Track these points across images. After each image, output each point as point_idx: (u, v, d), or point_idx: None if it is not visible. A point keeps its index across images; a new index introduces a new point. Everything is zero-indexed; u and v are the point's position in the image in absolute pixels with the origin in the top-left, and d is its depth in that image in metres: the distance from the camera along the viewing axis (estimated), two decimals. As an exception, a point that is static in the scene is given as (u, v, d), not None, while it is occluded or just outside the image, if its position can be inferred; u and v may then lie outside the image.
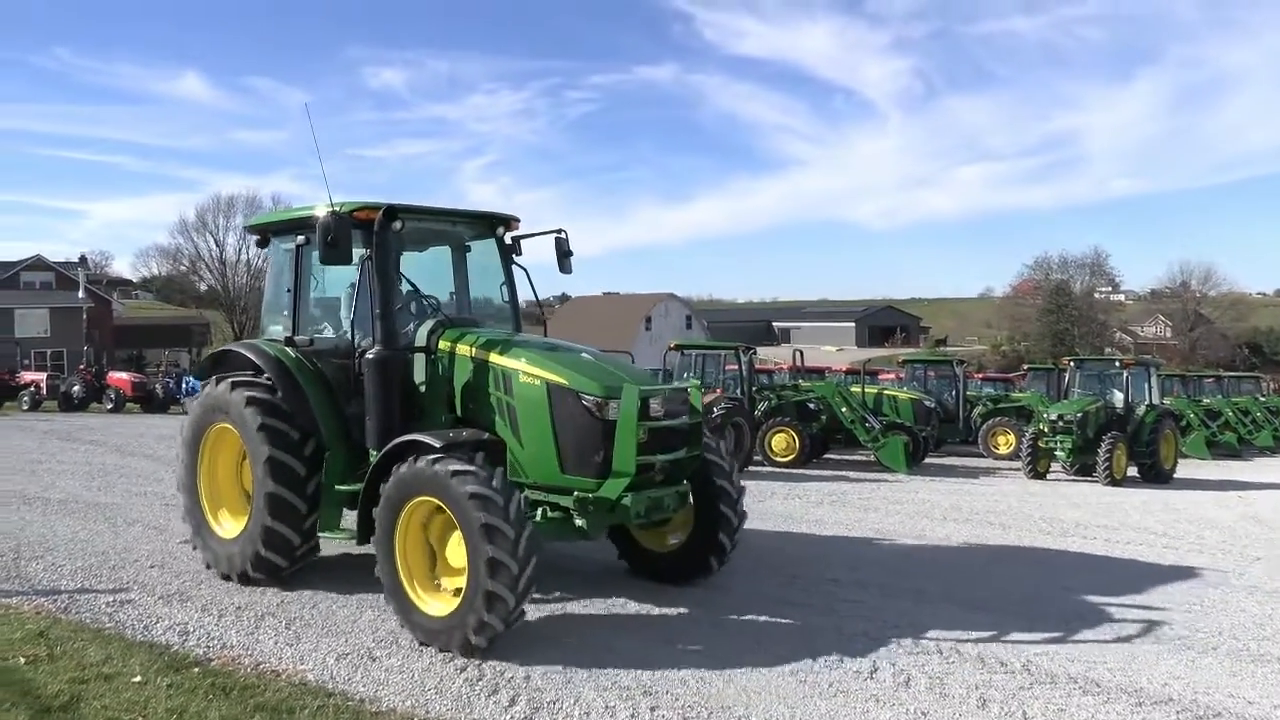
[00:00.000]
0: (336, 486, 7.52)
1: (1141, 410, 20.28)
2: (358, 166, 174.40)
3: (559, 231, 8.58)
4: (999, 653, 6.63)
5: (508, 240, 8.64)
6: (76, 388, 31.56)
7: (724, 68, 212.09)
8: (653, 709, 5.39)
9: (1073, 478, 20.06)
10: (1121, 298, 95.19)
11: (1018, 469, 20.86)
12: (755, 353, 22.70)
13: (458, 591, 6.27)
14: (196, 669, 5.81)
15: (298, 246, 8.05)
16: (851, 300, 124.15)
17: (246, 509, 7.89)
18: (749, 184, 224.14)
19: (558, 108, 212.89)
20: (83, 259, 70.22)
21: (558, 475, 6.89)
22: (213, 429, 8.17)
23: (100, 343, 50.75)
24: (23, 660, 5.82)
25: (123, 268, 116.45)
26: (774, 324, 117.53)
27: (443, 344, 7.49)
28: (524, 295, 8.77)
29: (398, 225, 7.60)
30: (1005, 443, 24.77)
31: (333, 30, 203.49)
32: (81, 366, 33.87)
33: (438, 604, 6.45)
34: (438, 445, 6.43)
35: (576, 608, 7.47)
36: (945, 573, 9.31)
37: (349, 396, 7.65)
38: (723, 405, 18.35)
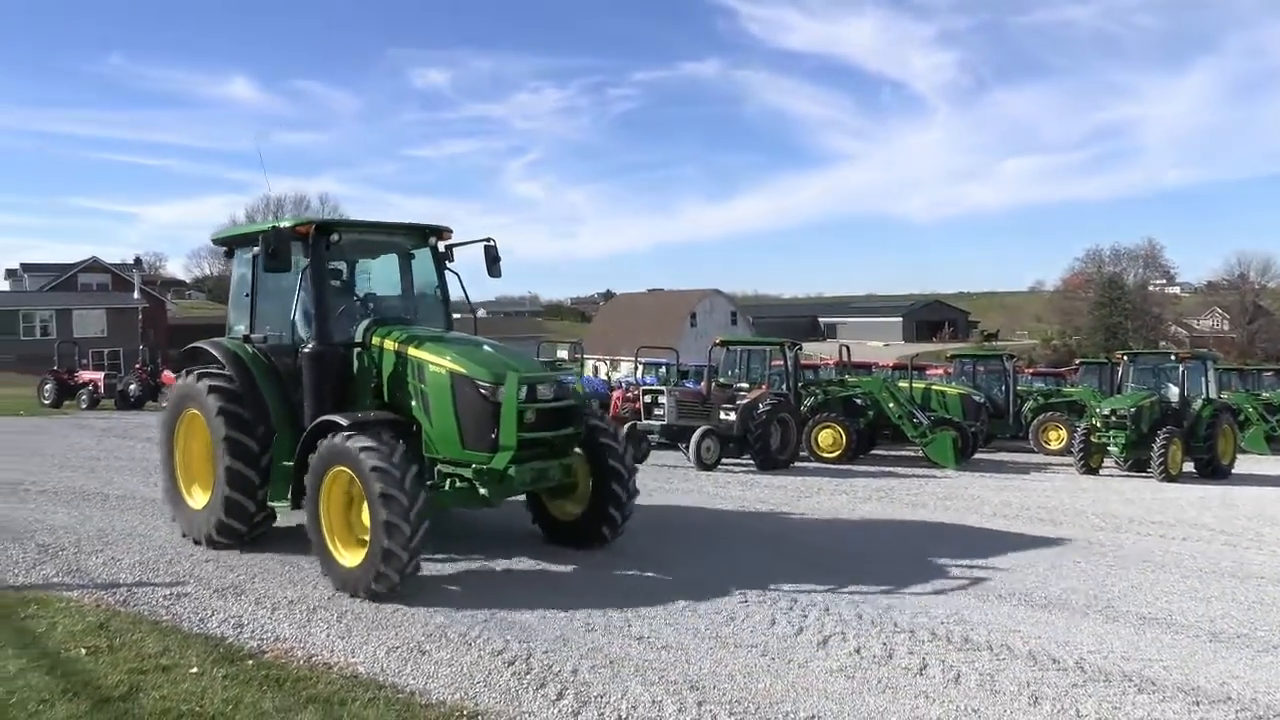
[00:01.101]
0: (283, 462, 8.45)
1: (1198, 404, 19.84)
2: (408, 168, 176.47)
3: (488, 240, 9.54)
4: (1050, 649, 6.54)
5: (441, 248, 9.69)
6: (133, 386, 32.15)
7: (768, 63, 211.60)
8: (699, 704, 5.39)
9: (1126, 473, 19.70)
10: (1177, 290, 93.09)
11: (1069, 465, 20.52)
12: (801, 348, 22.55)
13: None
14: (251, 661, 5.92)
15: (253, 257, 9.02)
16: (898, 295, 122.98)
17: (213, 484, 8.85)
18: (794, 179, 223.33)
19: (601, 105, 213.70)
20: (137, 260, 71.78)
21: (460, 450, 7.95)
22: (185, 414, 9.30)
23: (155, 342, 51.61)
24: (84, 651, 5.97)
25: (176, 269, 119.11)
26: (820, 319, 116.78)
27: (375, 340, 8.59)
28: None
29: (334, 238, 8.75)
30: (1056, 438, 24.43)
31: (377, 32, 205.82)
32: (137, 366, 34.44)
33: (353, 556, 7.49)
34: (345, 423, 7.55)
35: (624, 602, 7.48)
36: (995, 569, 9.18)
37: (295, 385, 8.68)
38: (769, 401, 18.25)
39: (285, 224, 8.59)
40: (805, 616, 7.18)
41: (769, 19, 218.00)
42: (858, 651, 6.40)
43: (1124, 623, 7.39)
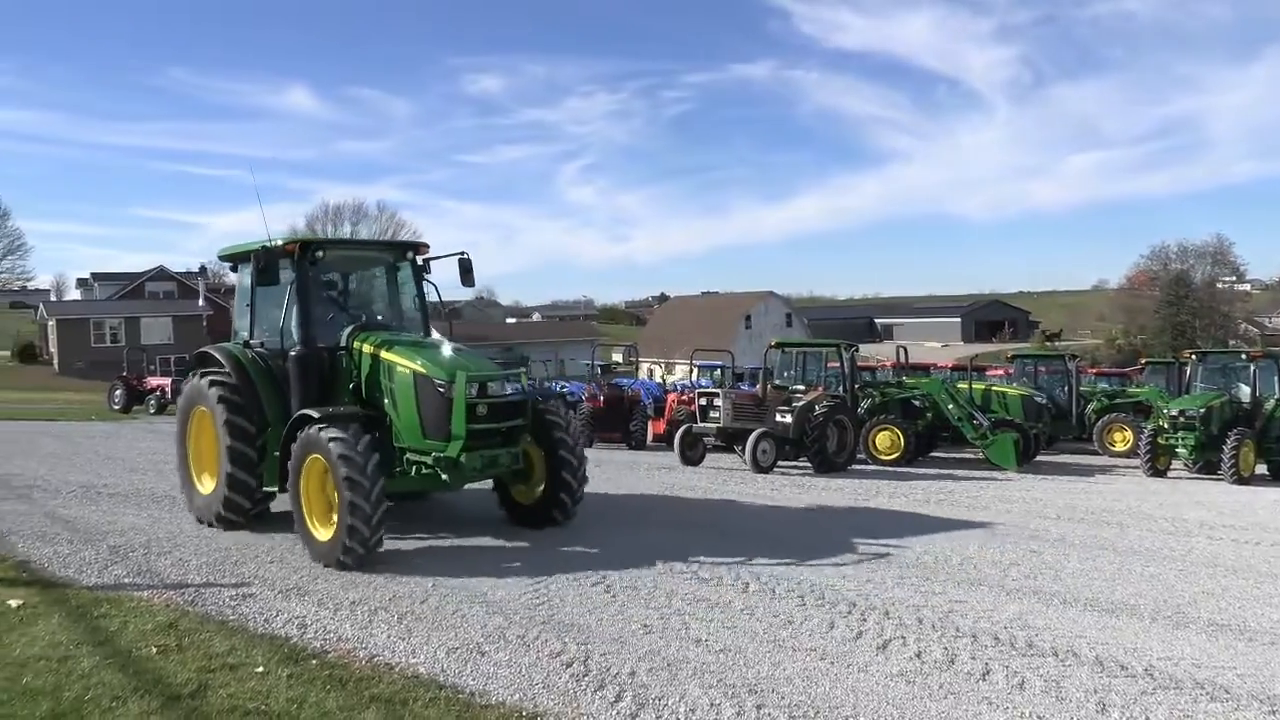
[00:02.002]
0: (276, 453, 9.37)
1: (1270, 405, 19.29)
2: (462, 173, 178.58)
3: (461, 253, 10.56)
4: (1118, 655, 6.39)
5: (419, 262, 10.80)
6: (199, 392, 32.88)
7: (822, 62, 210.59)
8: (758, 707, 5.36)
9: (1195, 476, 19.19)
10: (1247, 287, 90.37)
11: (1135, 467, 20.06)
12: (857, 349, 22.33)
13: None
14: (314, 661, 6.01)
15: (252, 271, 9.98)
16: (957, 295, 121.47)
17: (217, 478, 9.98)
18: (849, 180, 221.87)
19: (654, 108, 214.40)
20: (202, 269, 73.35)
21: (422, 441, 8.97)
22: (195, 411, 10.45)
23: (220, 349, 52.70)
24: (154, 650, 6.11)
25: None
26: (876, 321, 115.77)
27: (355, 344, 9.61)
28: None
29: (319, 254, 9.83)
30: (1122, 439, 23.91)
31: (432, 39, 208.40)
32: (203, 372, 35.21)
33: (327, 532, 8.47)
34: (317, 416, 8.57)
35: (681, 605, 7.47)
36: (1060, 573, 9.00)
37: (288, 385, 9.66)
38: (825, 403, 18.10)
39: (274, 243, 9.62)
40: (864, 620, 7.10)
41: (822, 18, 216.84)
42: (918, 656, 6.32)
43: (1194, 629, 7.20)
